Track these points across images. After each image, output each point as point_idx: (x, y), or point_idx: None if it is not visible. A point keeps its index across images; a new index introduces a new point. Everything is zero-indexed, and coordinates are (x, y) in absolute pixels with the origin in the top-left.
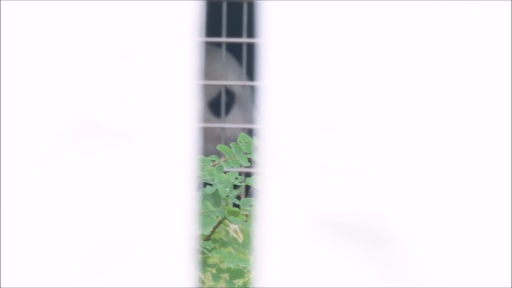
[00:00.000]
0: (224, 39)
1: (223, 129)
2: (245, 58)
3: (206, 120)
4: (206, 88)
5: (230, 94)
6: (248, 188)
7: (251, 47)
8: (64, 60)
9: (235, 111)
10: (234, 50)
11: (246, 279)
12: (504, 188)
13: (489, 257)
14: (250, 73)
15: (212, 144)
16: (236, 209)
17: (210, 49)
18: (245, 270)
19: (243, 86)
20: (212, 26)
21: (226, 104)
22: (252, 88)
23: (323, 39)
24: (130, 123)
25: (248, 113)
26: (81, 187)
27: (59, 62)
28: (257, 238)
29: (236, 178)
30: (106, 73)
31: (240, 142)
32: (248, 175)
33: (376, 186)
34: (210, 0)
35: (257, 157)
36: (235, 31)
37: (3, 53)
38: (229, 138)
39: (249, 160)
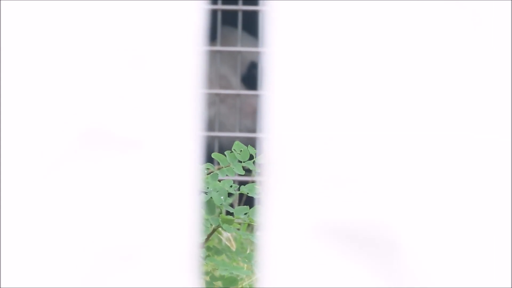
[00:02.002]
0: (239, 48)
1: (258, 100)
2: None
3: (242, 94)
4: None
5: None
6: (241, 196)
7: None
8: (70, 68)
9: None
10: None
11: (239, 287)
12: (508, 193)
13: (495, 265)
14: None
15: (249, 119)
16: (230, 217)
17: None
18: (238, 278)
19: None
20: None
21: (256, 76)
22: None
23: (329, 47)
24: (136, 131)
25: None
26: (88, 194)
27: (64, 70)
28: (260, 247)
29: (231, 186)
30: (113, 81)
31: (235, 150)
32: (242, 183)
33: (380, 194)
34: (225, 9)
35: (252, 165)
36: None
37: (9, 60)
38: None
39: (244, 168)
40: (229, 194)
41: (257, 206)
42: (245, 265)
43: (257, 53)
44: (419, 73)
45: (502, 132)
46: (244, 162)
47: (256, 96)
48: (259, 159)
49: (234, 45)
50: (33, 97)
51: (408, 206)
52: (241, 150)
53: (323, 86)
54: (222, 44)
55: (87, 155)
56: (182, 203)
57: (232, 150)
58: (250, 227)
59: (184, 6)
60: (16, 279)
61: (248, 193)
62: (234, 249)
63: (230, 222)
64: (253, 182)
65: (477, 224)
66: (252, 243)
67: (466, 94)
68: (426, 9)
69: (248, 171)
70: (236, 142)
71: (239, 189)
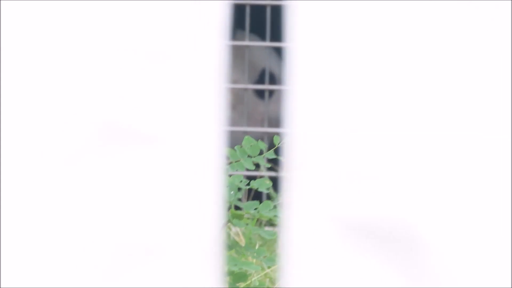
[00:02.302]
0: (247, 42)
1: (266, 111)
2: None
3: (252, 103)
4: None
5: (272, 77)
6: (250, 191)
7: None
8: (89, 61)
9: (278, 94)
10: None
11: (249, 282)
12: None
13: None
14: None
15: (257, 127)
16: (240, 212)
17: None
18: (247, 274)
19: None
20: (235, 29)
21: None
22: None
23: (347, 42)
24: (155, 126)
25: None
26: (107, 189)
27: (84, 63)
28: (282, 243)
29: (241, 181)
30: (132, 75)
31: (245, 145)
32: (252, 178)
33: (401, 190)
34: (234, 2)
35: (262, 160)
36: (258, 34)
37: (27, 54)
38: (273, 120)
39: (254, 163)
40: (239, 189)
41: (266, 201)
42: (254, 260)
43: (268, 57)
44: (435, 68)
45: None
46: (254, 157)
47: (265, 103)
48: (269, 154)
49: (243, 49)
50: (52, 91)
51: (428, 202)
52: (251, 145)
53: (344, 82)
54: (234, 47)
55: (106, 149)
56: (204, 199)
57: (242, 145)
58: (258, 222)
59: None
60: (35, 275)
61: (258, 188)
62: (243, 245)
63: (240, 217)
64: (262, 177)
65: (497, 218)
66: (261, 238)
67: (468, 89)
68: (440, 7)
69: (257, 166)
70: (246, 137)
71: (248, 184)
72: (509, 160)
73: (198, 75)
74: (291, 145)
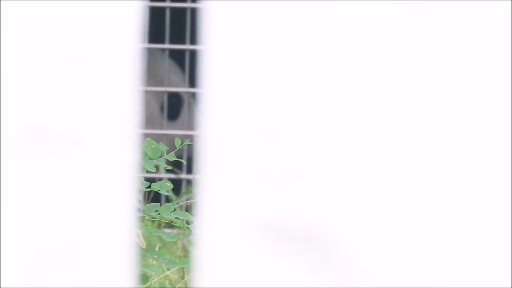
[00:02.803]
0: (167, 45)
1: (164, 135)
2: (187, 64)
3: (159, 123)
4: (156, 93)
5: (178, 99)
6: (149, 193)
7: (194, 54)
8: (9, 64)
9: (184, 115)
10: (177, 56)
11: (149, 284)
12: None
13: (434, 260)
14: (193, 80)
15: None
16: (141, 214)
17: (154, 54)
18: (148, 276)
19: (187, 92)
20: (155, 32)
21: (175, 108)
22: (195, 94)
23: (262, 45)
24: (74, 128)
25: (196, 118)
26: (26, 191)
27: (4, 66)
28: (196, 244)
29: (142, 183)
30: (52, 78)
31: (146, 147)
32: (151, 180)
33: (318, 192)
34: (154, 6)
35: (163, 162)
36: (178, 37)
37: None
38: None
39: (155, 165)
40: (139, 191)
41: (167, 203)
42: (155, 262)
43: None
44: (364, 65)
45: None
46: (155, 159)
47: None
48: (170, 156)
49: (161, 72)
50: None
51: (342, 202)
52: (152, 147)
53: (260, 83)
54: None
55: (27, 152)
56: (120, 199)
57: (143, 147)
58: (157, 224)
59: (122, 2)
60: None
61: (159, 190)
62: (144, 247)
63: (140, 219)
64: (162, 179)
65: (411, 216)
66: (161, 240)
67: (427, 91)
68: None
69: (157, 168)
70: (147, 139)
71: (149, 186)
72: (432, 159)
73: (114, 77)
74: (206, 147)
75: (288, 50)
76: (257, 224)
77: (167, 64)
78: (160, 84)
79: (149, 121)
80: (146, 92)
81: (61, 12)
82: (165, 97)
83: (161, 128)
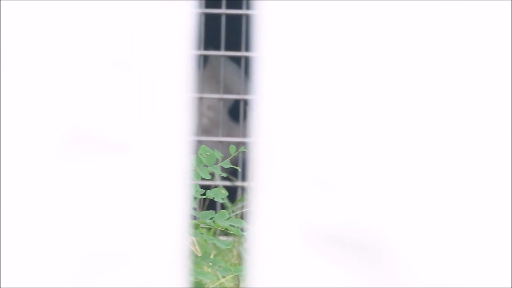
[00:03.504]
0: (222, 52)
1: (220, 142)
2: (243, 70)
3: (228, 128)
4: (223, 99)
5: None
6: (204, 201)
7: (248, 60)
8: (57, 69)
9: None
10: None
11: None
12: (498, 194)
13: (485, 267)
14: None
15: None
16: (196, 221)
17: (219, 61)
18: (203, 283)
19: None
20: (211, 38)
21: (244, 112)
22: (248, 101)
23: (317, 50)
24: (124, 134)
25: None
26: (75, 196)
27: (52, 72)
28: (249, 252)
29: (197, 190)
30: (101, 83)
31: (201, 154)
32: (207, 187)
33: (369, 198)
34: (209, 13)
35: (218, 169)
36: (233, 44)
37: None
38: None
39: (210, 173)
40: (194, 198)
41: (222, 210)
42: (210, 270)
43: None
44: (410, 74)
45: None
46: (210, 166)
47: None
48: (224, 164)
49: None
50: (20, 99)
51: (397, 210)
52: (207, 154)
53: (312, 90)
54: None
55: (75, 157)
56: (171, 207)
57: (198, 154)
58: (212, 231)
59: (176, 8)
60: (7, 278)
61: (214, 197)
62: (199, 254)
63: (196, 227)
64: (216, 186)
65: (465, 225)
66: (215, 247)
67: (458, 95)
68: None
69: (214, 176)
70: (202, 146)
71: (204, 194)
72: (471, 166)
73: (166, 83)
74: (259, 153)
75: (342, 56)
76: (310, 231)
77: (231, 70)
78: (227, 90)
79: (215, 126)
80: (213, 97)
81: (114, 15)
82: (232, 103)
83: (228, 132)
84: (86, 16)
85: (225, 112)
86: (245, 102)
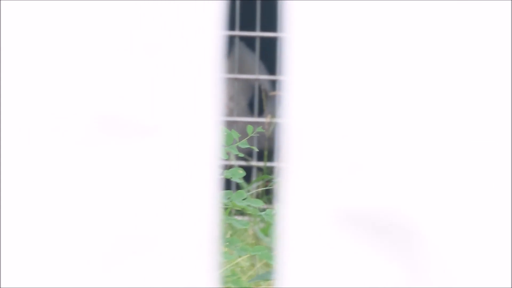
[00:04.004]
0: (258, 33)
1: (234, 122)
2: (257, 52)
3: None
4: (244, 87)
5: (262, 91)
6: (223, 181)
7: (269, 42)
8: (87, 55)
9: (267, 108)
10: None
11: (220, 271)
12: None
13: None
14: (268, 68)
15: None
16: None
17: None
18: (220, 263)
19: (257, 79)
20: (243, 21)
21: (259, 101)
22: (273, 82)
23: (351, 33)
24: (153, 117)
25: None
26: (105, 181)
27: (80, 55)
28: (277, 234)
29: None
30: (129, 67)
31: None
32: (225, 167)
33: (399, 181)
34: None
35: (235, 149)
36: (269, 27)
37: (26, 49)
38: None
39: (227, 153)
40: None
41: (239, 190)
42: (226, 249)
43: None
44: (432, 62)
45: None
46: (227, 146)
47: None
48: (242, 144)
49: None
50: (50, 84)
51: (426, 193)
52: (224, 134)
53: (341, 73)
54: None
55: (104, 141)
56: (201, 191)
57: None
58: (228, 211)
59: None
60: (28, 267)
61: (231, 177)
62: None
63: None
64: (233, 166)
65: (499, 210)
66: (232, 227)
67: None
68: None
69: (232, 156)
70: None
71: (221, 174)
72: (508, 155)
73: (195, 66)
74: (288, 135)
75: (375, 39)
76: (339, 213)
77: (244, 51)
78: (241, 71)
79: (237, 114)
80: (234, 85)
81: (140, 0)
82: (255, 91)
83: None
84: (115, 1)
85: (241, 94)
86: (259, 83)
